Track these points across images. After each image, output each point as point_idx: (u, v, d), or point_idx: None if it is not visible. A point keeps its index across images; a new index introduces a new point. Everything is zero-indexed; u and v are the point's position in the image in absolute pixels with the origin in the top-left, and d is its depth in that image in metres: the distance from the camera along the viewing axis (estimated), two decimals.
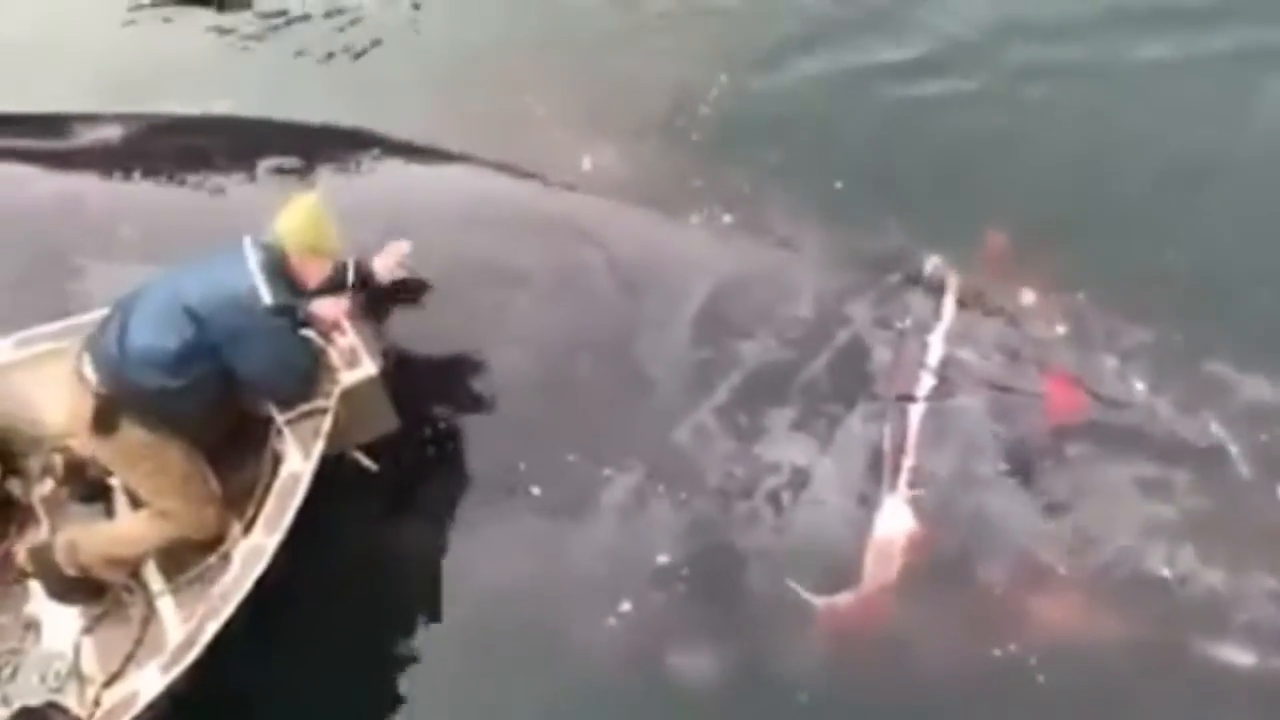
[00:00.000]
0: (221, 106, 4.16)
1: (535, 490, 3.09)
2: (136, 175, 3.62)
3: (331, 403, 2.91)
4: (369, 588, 3.02)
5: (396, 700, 2.96)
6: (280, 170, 3.59)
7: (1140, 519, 2.92)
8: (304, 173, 3.58)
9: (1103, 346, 3.11)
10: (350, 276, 3.11)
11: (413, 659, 3.00)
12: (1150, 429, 3.00)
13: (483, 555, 3.05)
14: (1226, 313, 3.17)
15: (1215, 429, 2.98)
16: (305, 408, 2.90)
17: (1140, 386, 3.06)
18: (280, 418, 2.90)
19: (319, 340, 2.97)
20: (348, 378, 2.94)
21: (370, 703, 3.00)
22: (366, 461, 3.02)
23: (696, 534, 3.02)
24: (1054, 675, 2.79)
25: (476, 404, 3.18)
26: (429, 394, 3.20)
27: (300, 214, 2.84)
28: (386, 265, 3.20)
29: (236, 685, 2.85)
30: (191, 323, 2.76)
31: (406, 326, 3.21)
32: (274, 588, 2.74)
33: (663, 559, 2.99)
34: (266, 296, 2.76)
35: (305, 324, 2.94)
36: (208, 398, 2.88)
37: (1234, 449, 2.95)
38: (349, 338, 2.98)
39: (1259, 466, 2.91)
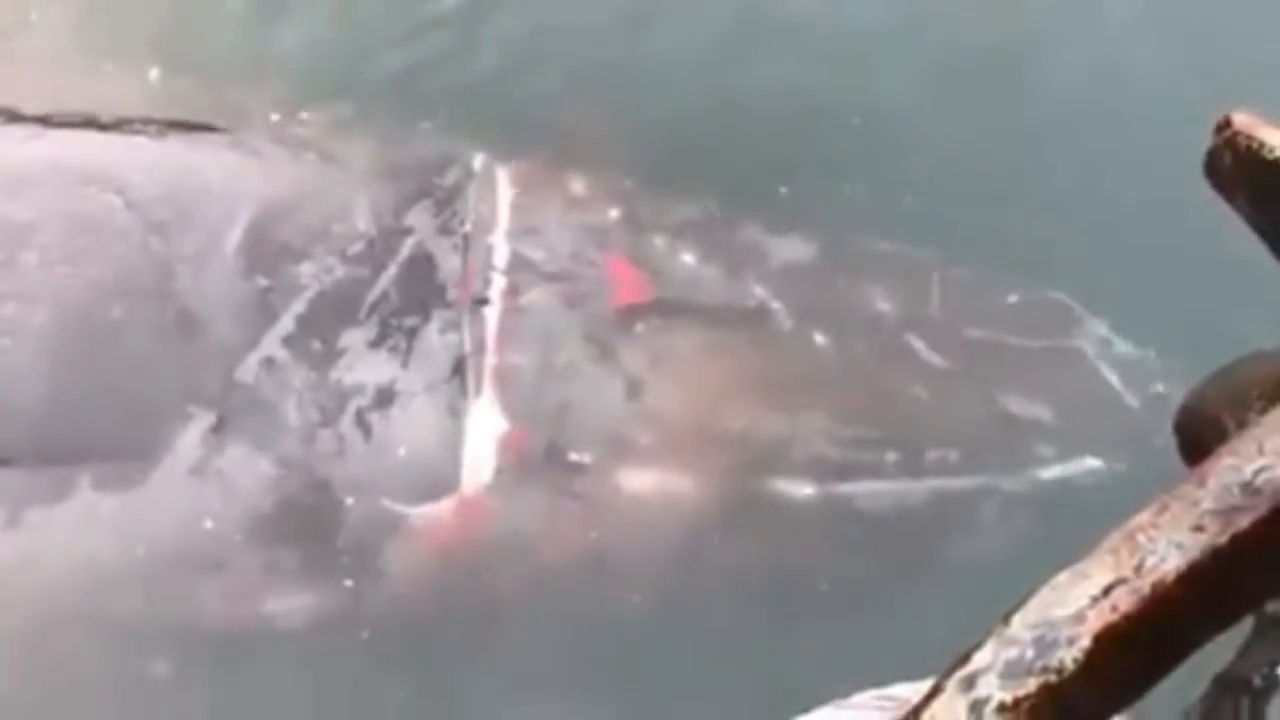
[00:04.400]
0: None
1: (89, 463, 2.79)
2: None
3: None
4: None
5: None
6: None
7: (705, 382, 3.11)
8: None
9: (652, 225, 3.25)
10: None
11: None
12: (703, 298, 3.18)
13: (39, 547, 2.74)
14: (755, 181, 3.42)
15: (758, 290, 3.22)
16: None
17: (689, 259, 3.24)
18: None
19: None
20: None
21: None
22: None
23: (282, 473, 2.87)
24: (647, 542, 2.94)
25: None
26: None
27: None
28: None
29: None
30: None
31: None
32: None
33: (248, 507, 2.82)
34: None
35: None
36: None
37: (775, 305, 3.20)
38: None
39: (797, 319, 3.18)
